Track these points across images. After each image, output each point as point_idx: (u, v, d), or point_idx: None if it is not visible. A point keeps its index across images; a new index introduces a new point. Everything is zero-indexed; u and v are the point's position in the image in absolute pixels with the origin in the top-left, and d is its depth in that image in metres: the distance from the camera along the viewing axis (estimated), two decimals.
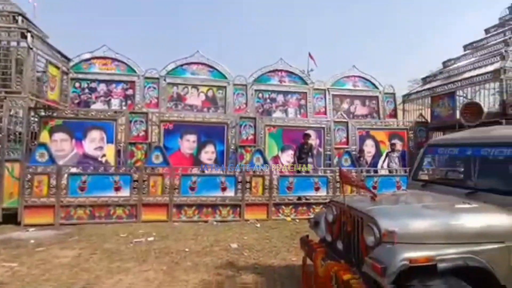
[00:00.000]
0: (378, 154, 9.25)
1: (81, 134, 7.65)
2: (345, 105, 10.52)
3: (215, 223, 6.49)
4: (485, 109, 3.74)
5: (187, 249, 4.74)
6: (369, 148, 9.13)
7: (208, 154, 8.54)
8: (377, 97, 10.71)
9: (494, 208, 2.54)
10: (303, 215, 6.93)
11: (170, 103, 9.55)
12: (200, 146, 8.48)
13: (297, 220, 6.75)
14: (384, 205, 2.81)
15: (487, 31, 10.43)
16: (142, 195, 6.54)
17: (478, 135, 3.37)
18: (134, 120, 7.99)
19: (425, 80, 11.16)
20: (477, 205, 2.61)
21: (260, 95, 10.13)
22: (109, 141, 7.79)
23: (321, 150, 8.97)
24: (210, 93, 9.82)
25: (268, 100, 10.18)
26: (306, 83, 10.34)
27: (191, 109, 9.51)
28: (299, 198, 7.18)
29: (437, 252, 2.20)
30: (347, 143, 9.03)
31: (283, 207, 6.98)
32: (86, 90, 9.33)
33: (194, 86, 9.75)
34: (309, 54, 18.61)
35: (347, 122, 9.15)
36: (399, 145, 9.13)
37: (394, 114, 10.75)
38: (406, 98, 11.25)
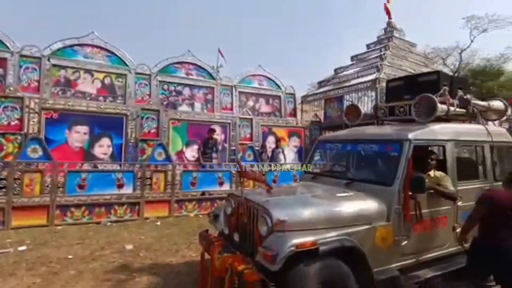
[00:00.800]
0: (279, 150, 9.89)
1: None
2: (250, 103, 10.87)
3: (109, 223, 5.87)
4: (363, 112, 4.35)
5: (70, 256, 4.14)
6: (270, 144, 9.66)
7: (103, 148, 7.68)
8: (279, 96, 11.41)
9: (364, 195, 2.95)
10: (207, 210, 6.86)
11: (56, 88, 8.18)
12: (93, 139, 7.55)
13: (201, 216, 6.67)
14: (277, 197, 2.98)
15: (368, 46, 12.26)
16: (14, 196, 5.43)
17: (355, 133, 3.90)
18: (3, 105, 6.57)
19: (320, 84, 12.45)
20: (352, 193, 3.01)
21: (165, 87, 9.61)
22: None
23: (226, 145, 9.08)
24: (107, 81, 8.81)
25: (174, 93, 9.73)
26: (214, 79, 10.29)
27: (83, 97, 8.35)
28: (203, 193, 7.11)
29: (320, 236, 2.44)
30: (251, 139, 9.37)
31: (186, 203, 6.79)
32: None
33: (88, 71, 8.58)
34: (219, 50, 18.62)
35: (251, 119, 9.50)
36: (294, 142, 9.96)
37: (294, 113, 11.64)
38: (304, 99, 12.35)
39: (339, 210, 2.74)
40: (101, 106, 7.76)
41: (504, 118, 4.45)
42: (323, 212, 2.68)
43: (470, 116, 3.88)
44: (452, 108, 3.53)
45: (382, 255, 2.73)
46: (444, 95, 3.58)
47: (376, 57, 10.85)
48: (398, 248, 2.84)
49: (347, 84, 10.49)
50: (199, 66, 10.12)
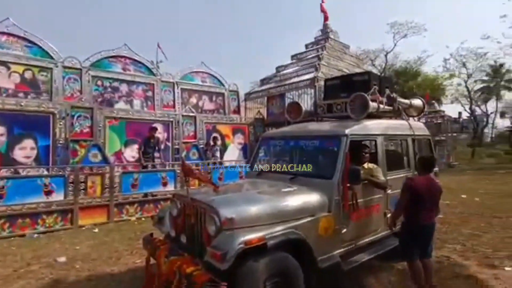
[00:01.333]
0: (224, 147, 9.86)
1: None
2: (193, 100, 10.62)
3: (35, 235, 5.24)
4: (304, 109, 4.56)
5: None
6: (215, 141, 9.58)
7: (26, 150, 6.82)
8: (223, 94, 11.35)
9: (307, 189, 3.10)
10: (150, 213, 6.56)
11: None
12: (13, 140, 6.66)
13: (143, 219, 6.34)
14: (224, 195, 2.96)
15: (307, 46, 12.85)
16: None
17: (298, 129, 4.07)
18: None
19: (262, 82, 12.69)
20: (296, 188, 3.13)
21: (99, 82, 8.86)
22: None
23: (169, 144, 8.75)
24: (28, 75, 7.80)
25: (110, 89, 9.03)
26: (154, 74, 9.80)
27: None
28: (146, 195, 6.76)
29: (267, 232, 2.49)
30: (195, 137, 9.18)
31: (127, 206, 6.39)
32: None
33: (3, 63, 7.51)
34: (158, 45, 17.83)
35: (195, 116, 9.29)
36: (239, 139, 10.03)
37: (237, 111, 11.69)
38: (248, 96, 12.47)
39: (285, 204, 2.84)
40: (22, 104, 6.86)
41: (422, 114, 5.05)
42: (269, 208, 2.74)
43: (396, 113, 4.31)
44: (381, 106, 3.89)
45: (325, 244, 2.91)
46: (374, 93, 3.92)
47: (314, 57, 11.42)
48: (339, 236, 3.05)
49: (288, 82, 10.87)
50: (137, 61, 9.54)
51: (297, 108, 4.59)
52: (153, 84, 9.73)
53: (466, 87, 29.57)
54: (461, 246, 4.59)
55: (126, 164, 7.56)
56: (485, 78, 30.85)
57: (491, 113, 34.22)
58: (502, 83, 30.67)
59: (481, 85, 31.57)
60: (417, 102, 4.65)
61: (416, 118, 5.00)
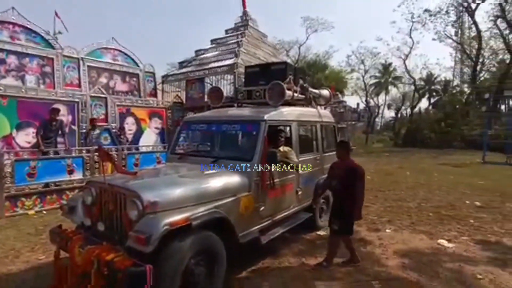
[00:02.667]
0: (139, 131, 9.31)
1: None
2: (103, 79, 9.61)
3: None
4: (225, 94, 4.67)
5: None
6: (130, 125, 8.99)
7: None
8: (138, 74, 10.57)
9: (228, 171, 3.26)
10: (53, 204, 5.86)
11: None
12: None
13: (45, 212, 5.63)
14: (145, 179, 2.91)
15: (226, 31, 12.83)
16: None
17: (219, 114, 4.17)
18: None
19: (181, 64, 12.26)
20: (218, 170, 3.26)
21: None
22: None
23: (74, 127, 7.82)
24: None
25: None
26: (52, 47, 8.50)
27: None
28: (47, 185, 5.98)
29: (191, 213, 2.57)
30: (106, 120, 8.41)
31: (23, 198, 5.55)
32: None
33: None
34: (56, 13, 15.30)
35: (106, 98, 8.48)
36: (156, 123, 9.61)
37: (154, 94, 11.08)
38: (165, 79, 11.92)
39: (207, 186, 2.94)
40: None
41: (329, 103, 5.70)
42: (192, 190, 2.81)
43: (307, 101, 4.78)
44: (295, 94, 4.27)
45: (245, 221, 3.13)
46: (289, 83, 4.27)
47: (234, 43, 11.52)
48: (258, 213, 3.32)
49: (207, 66, 10.76)
50: (30, 30, 8.12)
51: (218, 93, 4.67)
52: (52, 58, 8.44)
53: (363, 81, 33.98)
54: None
55: (20, 150, 6.50)
56: (378, 74, 35.93)
57: (381, 105, 40.28)
58: (390, 80, 36.22)
59: (375, 81, 36.72)
60: (325, 92, 5.23)
61: (323, 107, 5.63)
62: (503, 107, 27.16)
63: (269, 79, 4.22)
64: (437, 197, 6.77)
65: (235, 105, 4.76)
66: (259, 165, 3.29)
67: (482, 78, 24.40)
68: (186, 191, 2.75)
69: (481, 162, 12.77)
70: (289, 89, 4.10)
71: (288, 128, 4.10)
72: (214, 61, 10.91)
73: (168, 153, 4.19)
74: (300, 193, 4.08)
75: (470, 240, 4.23)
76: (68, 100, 7.77)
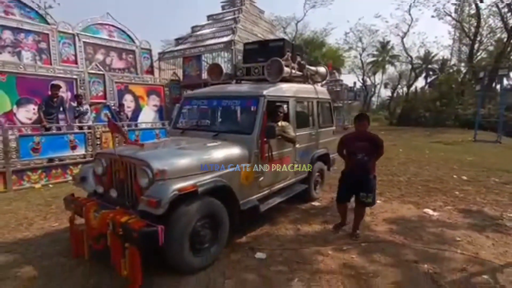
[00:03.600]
0: (137, 108, 9.40)
1: None
2: (99, 56, 9.57)
3: None
4: (224, 71, 4.78)
5: None
6: (128, 103, 9.07)
7: None
8: (134, 51, 10.51)
9: (230, 144, 3.45)
10: (58, 178, 6.08)
11: None
12: None
13: (51, 186, 5.85)
14: (153, 150, 3.10)
15: (223, 7, 12.66)
16: None
17: (220, 90, 4.32)
18: None
19: (177, 41, 12.16)
20: (220, 143, 3.46)
21: None
22: None
23: (74, 104, 7.90)
24: None
25: None
26: (46, 22, 8.40)
27: None
28: (51, 160, 6.16)
29: (197, 180, 2.79)
30: (104, 97, 8.48)
31: (29, 173, 5.75)
32: None
33: None
34: None
35: (103, 75, 8.50)
36: (154, 101, 9.69)
37: (151, 71, 11.05)
38: (162, 56, 11.85)
39: (210, 157, 3.14)
40: None
41: (325, 81, 5.83)
42: (197, 160, 3.01)
43: (304, 78, 4.92)
44: (293, 71, 4.41)
45: (245, 190, 3.37)
46: (287, 60, 4.39)
47: (231, 19, 11.41)
48: (257, 183, 3.55)
49: (204, 43, 10.71)
50: (24, 4, 8.00)
51: (217, 69, 4.77)
52: (47, 34, 8.39)
53: (361, 60, 33.80)
54: None
55: (22, 126, 6.62)
56: (375, 53, 35.68)
57: (378, 84, 40.23)
58: (387, 58, 36.03)
59: (372, 59, 36.50)
60: (322, 69, 5.36)
61: (320, 84, 5.76)
62: (498, 86, 27.40)
63: (267, 56, 4.33)
64: (426, 172, 7.07)
65: (233, 81, 4.88)
66: (259, 138, 3.48)
67: (479, 57, 24.41)
68: (191, 161, 2.95)
69: (473, 141, 13.11)
70: (287, 66, 4.23)
71: (286, 104, 4.27)
72: (211, 38, 10.86)
73: (169, 128, 4.35)
74: (296, 166, 4.31)
75: (453, 209, 4.55)
76: (67, 77, 7.80)
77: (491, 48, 24.80)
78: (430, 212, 4.39)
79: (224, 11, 12.38)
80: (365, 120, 3.59)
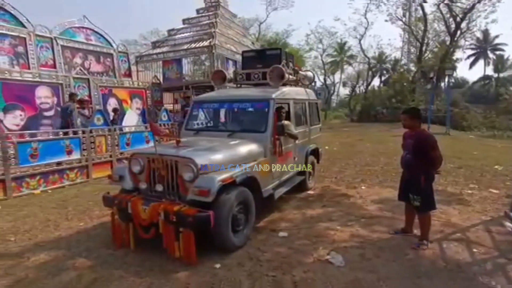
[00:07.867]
0: (122, 112, 9.44)
1: None
2: (78, 60, 9.45)
3: None
4: (228, 76, 5.25)
5: None
6: (113, 106, 9.08)
7: None
8: (111, 54, 10.46)
9: (247, 141, 3.98)
10: (56, 183, 6.12)
11: None
12: None
13: (50, 191, 5.88)
14: (191, 148, 3.53)
15: (198, 11, 12.92)
16: None
17: (229, 94, 4.81)
18: None
19: (154, 44, 12.24)
20: (240, 141, 3.97)
21: None
22: None
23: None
24: None
25: None
26: (23, 26, 8.18)
27: None
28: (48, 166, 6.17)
29: (233, 173, 3.29)
30: (90, 101, 8.45)
31: (27, 179, 5.75)
32: None
33: None
34: None
35: (88, 79, 8.48)
36: (137, 104, 9.78)
37: (129, 74, 11.04)
38: (139, 59, 11.88)
39: (237, 152, 3.66)
40: None
41: (311, 83, 6.53)
42: (228, 155, 3.51)
43: (296, 82, 5.56)
44: (290, 76, 5.02)
45: (264, 180, 3.90)
46: (284, 66, 5.00)
47: (208, 23, 11.77)
48: (271, 174, 4.11)
49: (184, 47, 10.97)
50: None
51: (221, 74, 5.25)
52: (24, 38, 8.16)
53: (322, 60, 35.55)
54: (334, 178, 6.50)
55: (35, 132, 6.47)
56: (334, 53, 37.71)
57: (337, 83, 42.55)
58: (345, 58, 38.24)
59: (331, 59, 38.51)
60: (310, 74, 6.05)
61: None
62: (442, 84, 30.50)
63: (265, 63, 4.91)
64: (395, 161, 8.06)
65: (228, 86, 5.35)
66: (271, 136, 4.04)
67: (426, 58, 27.02)
68: (224, 156, 3.44)
69: None
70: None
71: (287, 105, 4.87)
72: (190, 42, 11.14)
73: (183, 129, 4.74)
74: (296, 159, 4.94)
75: None
76: (53, 82, 7.70)
77: (436, 49, 27.57)
78: None
79: (199, 15, 12.69)
80: (414, 116, 3.27)
